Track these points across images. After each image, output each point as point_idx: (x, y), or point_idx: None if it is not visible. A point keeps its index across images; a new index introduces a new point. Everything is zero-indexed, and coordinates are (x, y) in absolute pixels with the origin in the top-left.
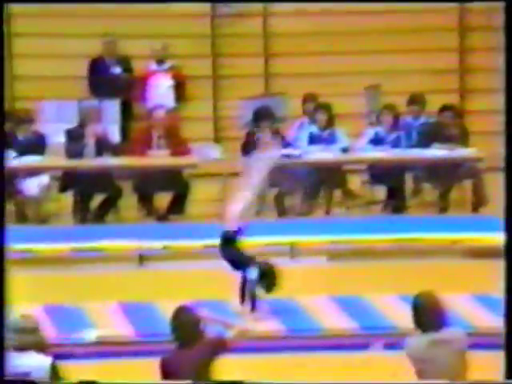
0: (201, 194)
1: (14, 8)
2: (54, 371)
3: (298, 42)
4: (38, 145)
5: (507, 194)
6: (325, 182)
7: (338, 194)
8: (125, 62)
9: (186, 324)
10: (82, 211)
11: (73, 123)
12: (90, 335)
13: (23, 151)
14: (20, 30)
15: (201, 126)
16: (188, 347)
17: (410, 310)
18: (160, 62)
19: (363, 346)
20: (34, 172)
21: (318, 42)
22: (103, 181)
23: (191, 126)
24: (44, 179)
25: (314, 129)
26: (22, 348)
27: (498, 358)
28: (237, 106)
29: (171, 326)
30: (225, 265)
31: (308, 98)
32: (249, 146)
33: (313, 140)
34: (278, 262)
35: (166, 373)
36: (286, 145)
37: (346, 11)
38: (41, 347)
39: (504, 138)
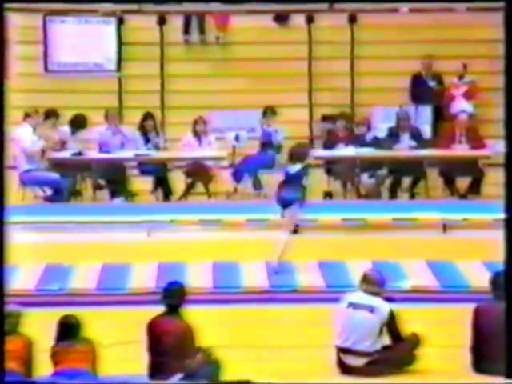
0: (493, 179)
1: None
2: (393, 316)
3: None
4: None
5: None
6: None
7: None
8: (438, 78)
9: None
10: (392, 189)
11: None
12: (406, 284)
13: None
14: (363, 53)
15: (495, 127)
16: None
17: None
18: (460, 77)
19: None
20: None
21: None
22: (415, 166)
23: (487, 126)
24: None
25: None
26: None
27: None
28: None
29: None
30: None
31: None
32: None
33: None
34: None
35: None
36: None
37: None
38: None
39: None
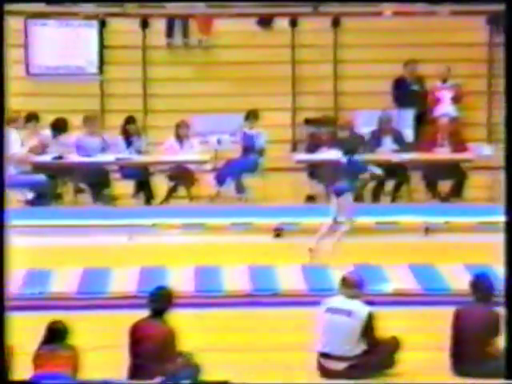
0: (475, 182)
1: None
2: (371, 318)
3: None
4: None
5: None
6: None
7: None
8: (420, 81)
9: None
10: (375, 193)
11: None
12: (388, 288)
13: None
14: (346, 57)
15: (477, 130)
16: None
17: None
18: (444, 80)
19: None
20: None
21: None
22: (397, 169)
23: (469, 130)
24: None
25: None
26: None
27: None
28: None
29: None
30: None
31: None
32: None
33: None
34: None
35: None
36: None
37: None
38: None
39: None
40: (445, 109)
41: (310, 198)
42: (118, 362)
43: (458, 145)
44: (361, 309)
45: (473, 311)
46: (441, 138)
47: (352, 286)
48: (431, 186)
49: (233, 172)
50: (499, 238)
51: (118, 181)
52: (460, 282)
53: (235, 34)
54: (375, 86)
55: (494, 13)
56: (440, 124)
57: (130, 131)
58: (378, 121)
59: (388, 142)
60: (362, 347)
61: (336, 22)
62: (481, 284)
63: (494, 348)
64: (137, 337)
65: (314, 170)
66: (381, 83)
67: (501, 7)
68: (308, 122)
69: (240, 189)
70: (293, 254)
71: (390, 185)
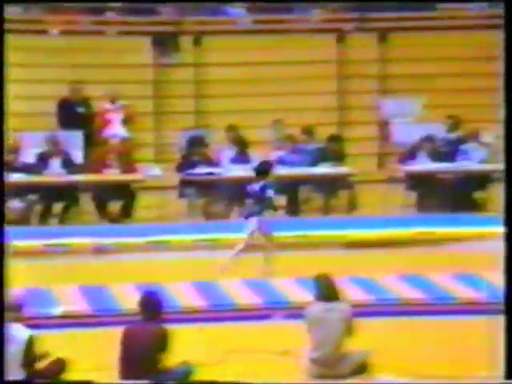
0: (144, 202)
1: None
2: (30, 341)
3: (221, 86)
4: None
5: (507, 198)
6: (242, 193)
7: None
8: (86, 102)
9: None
10: (43, 215)
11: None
12: (57, 310)
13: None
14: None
15: (145, 150)
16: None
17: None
18: (112, 102)
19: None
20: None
21: (237, 87)
22: (66, 191)
23: (139, 150)
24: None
25: (233, 153)
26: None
27: None
28: (173, 136)
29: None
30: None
31: (229, 129)
32: (182, 166)
33: (232, 161)
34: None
35: (124, 342)
36: (212, 165)
37: (260, 62)
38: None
39: (504, 145)
40: (115, 130)
41: None
42: None
43: (128, 165)
44: (20, 333)
45: (141, 329)
46: (111, 159)
47: (11, 308)
48: (100, 207)
49: None
50: (167, 256)
51: None
52: (131, 301)
53: None
54: (41, 106)
55: (159, 34)
56: (110, 145)
57: None
58: (45, 143)
59: (56, 164)
60: (25, 371)
61: None
62: (149, 302)
63: (162, 363)
64: None
65: None
66: (47, 104)
67: (165, 28)
68: None
69: None
70: None
71: (57, 207)
